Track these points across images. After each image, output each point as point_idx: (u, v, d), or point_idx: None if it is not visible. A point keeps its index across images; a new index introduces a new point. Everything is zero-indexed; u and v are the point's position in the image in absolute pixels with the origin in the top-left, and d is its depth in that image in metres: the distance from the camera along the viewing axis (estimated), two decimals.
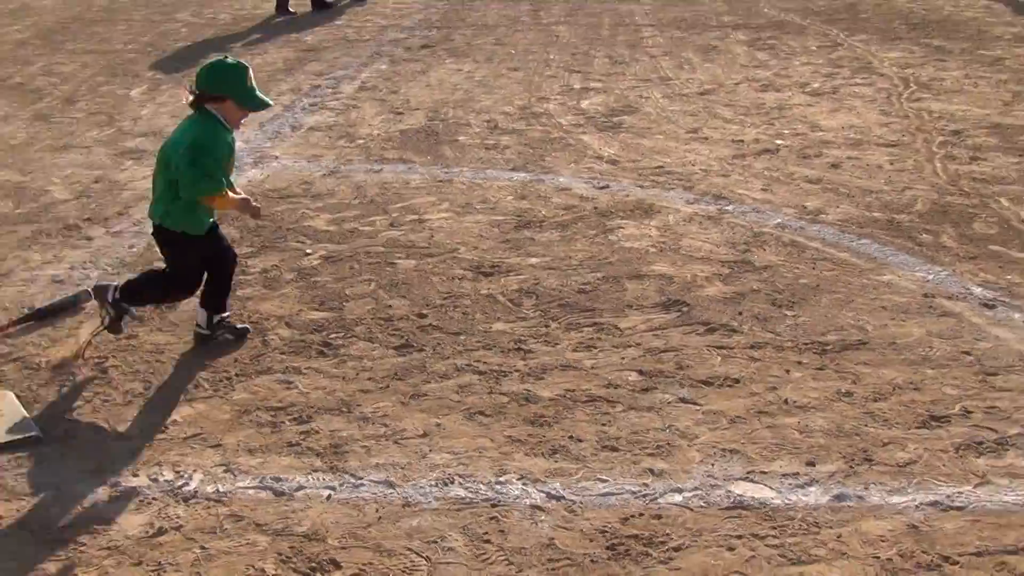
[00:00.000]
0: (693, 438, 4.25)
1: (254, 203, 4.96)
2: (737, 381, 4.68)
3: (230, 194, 4.78)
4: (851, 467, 4.02)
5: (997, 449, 4.11)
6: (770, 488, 3.91)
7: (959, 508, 3.76)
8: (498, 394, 4.62)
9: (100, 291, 5.06)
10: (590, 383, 4.70)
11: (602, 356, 4.95)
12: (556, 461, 4.11)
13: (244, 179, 7.71)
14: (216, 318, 5.14)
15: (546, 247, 6.29)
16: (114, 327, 5.07)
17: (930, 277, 5.72)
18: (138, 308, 5.16)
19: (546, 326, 5.26)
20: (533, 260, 6.10)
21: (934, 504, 3.78)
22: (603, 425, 4.36)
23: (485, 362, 4.91)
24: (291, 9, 15.61)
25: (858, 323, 5.20)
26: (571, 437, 4.27)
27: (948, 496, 3.83)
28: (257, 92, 4.84)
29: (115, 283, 5.09)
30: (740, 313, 5.34)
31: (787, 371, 4.76)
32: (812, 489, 3.90)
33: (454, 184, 7.51)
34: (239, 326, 5.25)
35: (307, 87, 10.74)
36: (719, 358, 4.90)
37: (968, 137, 8.31)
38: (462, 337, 5.16)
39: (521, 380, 4.74)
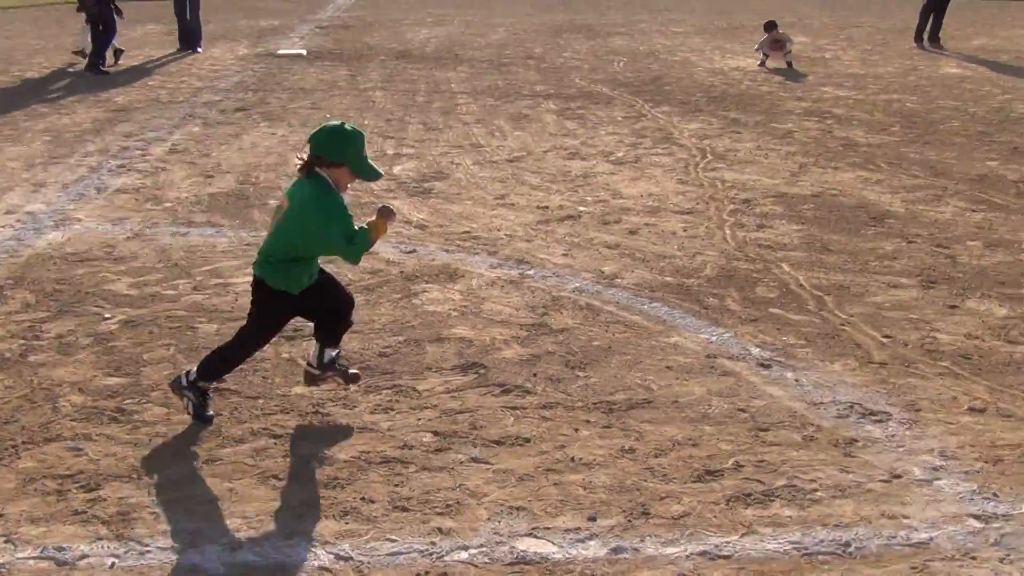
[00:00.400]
0: (482, 496, 4.38)
1: (388, 213, 4.91)
2: (528, 440, 4.85)
3: (375, 230, 4.80)
4: (629, 521, 4.22)
5: (764, 500, 4.38)
6: (552, 543, 4.07)
7: (726, 556, 4.00)
8: (293, 457, 4.66)
9: (174, 383, 5.03)
10: (385, 445, 4.79)
11: (399, 418, 5.05)
12: (347, 523, 4.17)
13: (44, 241, 7.56)
14: (327, 356, 5.15)
15: None
16: (200, 414, 4.98)
17: (713, 339, 6.05)
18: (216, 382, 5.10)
19: (345, 389, 5.33)
20: None
21: (703, 554, 4.01)
22: (395, 486, 4.45)
23: (282, 426, 4.94)
24: (104, 69, 15.36)
25: (645, 383, 5.46)
26: (363, 498, 4.34)
27: (716, 546, 4.06)
28: (371, 161, 4.81)
29: (184, 370, 5.04)
30: (535, 374, 5.54)
31: (576, 430, 4.96)
32: (592, 543, 4.07)
33: None
34: (351, 371, 5.25)
35: (115, 148, 10.59)
36: (512, 418, 5.06)
37: (757, 205, 8.82)
38: (260, 401, 5.19)
39: (317, 443, 4.79)
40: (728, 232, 8.08)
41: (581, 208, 8.72)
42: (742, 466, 4.65)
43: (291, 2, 27.80)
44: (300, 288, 4.87)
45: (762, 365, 5.70)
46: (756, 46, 17.26)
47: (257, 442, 4.79)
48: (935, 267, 7.29)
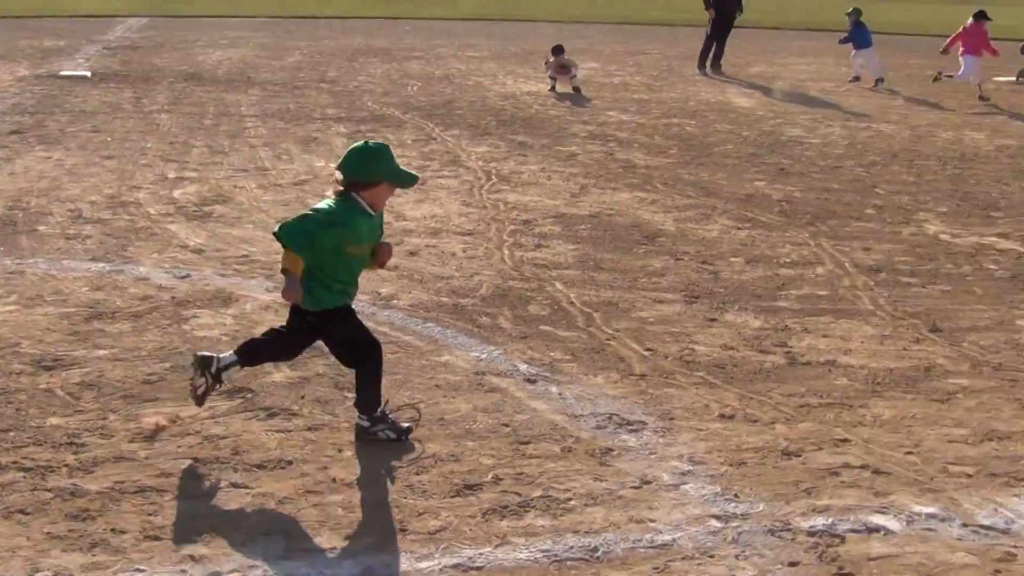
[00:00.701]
0: (239, 521, 4.34)
1: (295, 289, 4.78)
2: (290, 463, 4.84)
3: (295, 268, 4.71)
4: (386, 538, 4.27)
5: (519, 511, 4.50)
6: (307, 564, 4.07)
7: (478, 568, 4.09)
8: (42, 490, 4.51)
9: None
10: (142, 473, 4.69)
11: (159, 445, 4.96)
12: (94, 555, 4.06)
13: None
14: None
15: (116, 338, 6.21)
16: (401, 431, 5.05)
17: (483, 356, 6.17)
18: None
19: (104, 418, 5.20)
20: (100, 352, 6.01)
21: (456, 566, 4.09)
22: (150, 515, 4.36)
23: (33, 458, 4.77)
24: None
25: (412, 401, 5.52)
26: (114, 530, 4.24)
27: (470, 558, 4.15)
28: (403, 167, 4.86)
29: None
30: (302, 397, 5.53)
31: (340, 450, 4.98)
32: (346, 562, 4.09)
33: (26, 276, 7.26)
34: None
35: None
36: (276, 441, 5.04)
37: (536, 226, 9.05)
38: (12, 434, 4.99)
39: (69, 475, 4.65)
40: (506, 252, 8.25)
41: None
42: (501, 479, 4.76)
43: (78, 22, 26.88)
44: (341, 304, 4.94)
45: (528, 380, 5.85)
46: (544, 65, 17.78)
47: (4, 476, 4.61)
48: (699, 283, 7.64)
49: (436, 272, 7.70)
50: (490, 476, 4.79)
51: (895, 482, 4.84)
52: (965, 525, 4.49)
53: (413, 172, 5.01)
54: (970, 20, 18.10)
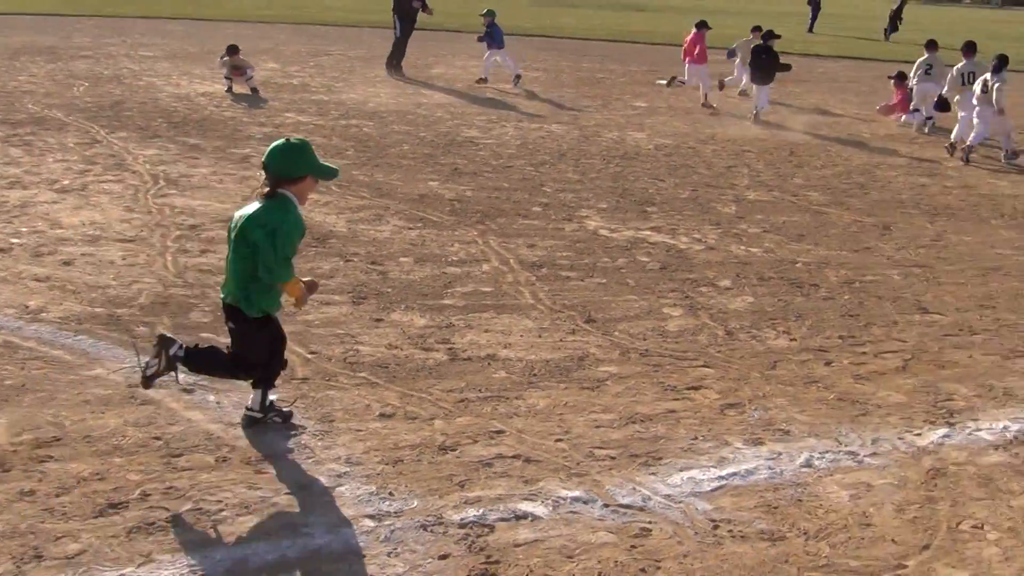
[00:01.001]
0: None
1: (313, 287, 5.08)
2: None
3: (294, 284, 4.90)
4: (19, 567, 4.02)
5: (166, 527, 4.36)
6: None
7: None
8: None
9: (165, 341, 5.02)
10: None
11: None
12: None
13: None
14: (268, 400, 5.20)
15: None
16: (149, 382, 5.07)
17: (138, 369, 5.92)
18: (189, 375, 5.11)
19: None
20: None
21: None
22: None
23: None
24: None
25: (57, 419, 5.23)
26: None
27: None
28: (323, 161, 4.93)
29: (182, 341, 5.06)
30: None
31: None
32: None
33: None
34: (285, 409, 5.35)
35: None
36: None
37: (204, 231, 8.79)
38: None
39: None
40: (170, 259, 7.97)
41: (13, 240, 8.22)
42: (149, 495, 4.60)
43: None
44: (278, 307, 5.00)
45: (185, 391, 5.67)
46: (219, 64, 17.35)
47: None
48: (367, 283, 7.68)
49: (91, 282, 7.33)
50: (137, 492, 4.61)
51: (544, 469, 5.05)
52: (606, 505, 4.75)
53: (334, 166, 5.12)
54: (693, 30, 19.09)
